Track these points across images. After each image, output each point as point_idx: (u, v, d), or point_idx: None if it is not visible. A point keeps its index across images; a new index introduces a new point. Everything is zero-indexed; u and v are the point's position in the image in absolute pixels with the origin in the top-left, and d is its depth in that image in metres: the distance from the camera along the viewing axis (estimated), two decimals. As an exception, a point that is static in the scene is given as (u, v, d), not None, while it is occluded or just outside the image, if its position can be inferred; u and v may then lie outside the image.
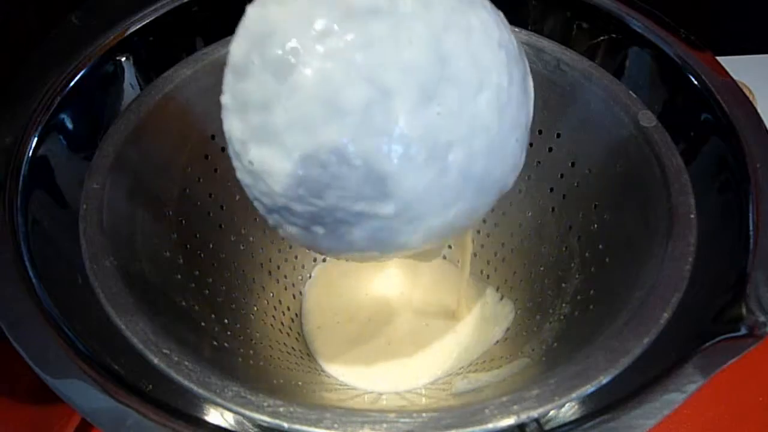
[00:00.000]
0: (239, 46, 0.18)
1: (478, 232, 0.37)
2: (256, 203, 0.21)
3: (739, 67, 0.31)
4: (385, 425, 0.18)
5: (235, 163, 0.20)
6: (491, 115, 0.20)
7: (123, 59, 0.31)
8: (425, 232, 0.21)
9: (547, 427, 0.21)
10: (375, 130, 0.18)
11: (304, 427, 0.18)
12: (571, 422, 0.21)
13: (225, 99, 0.19)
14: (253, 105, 0.18)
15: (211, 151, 0.31)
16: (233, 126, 0.19)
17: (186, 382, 0.19)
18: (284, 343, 0.33)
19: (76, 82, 0.29)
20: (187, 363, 0.20)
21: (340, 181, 0.19)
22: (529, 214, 0.34)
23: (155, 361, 0.20)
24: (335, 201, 0.19)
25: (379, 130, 0.18)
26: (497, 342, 0.33)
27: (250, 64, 0.18)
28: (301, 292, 0.38)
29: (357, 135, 0.18)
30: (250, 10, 0.18)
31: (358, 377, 0.34)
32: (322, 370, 0.34)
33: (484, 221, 0.36)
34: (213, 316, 0.28)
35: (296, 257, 0.38)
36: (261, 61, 0.18)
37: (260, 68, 0.18)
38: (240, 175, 0.20)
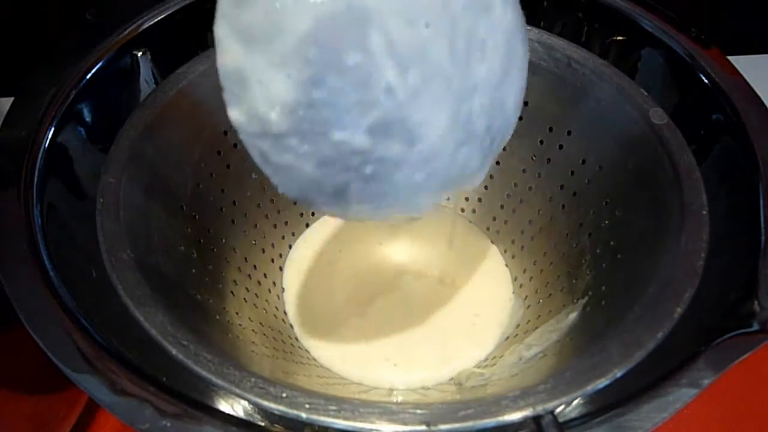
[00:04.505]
0: None
1: (488, 228, 0.37)
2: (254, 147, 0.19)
3: (740, 67, 0.31)
4: (402, 416, 0.19)
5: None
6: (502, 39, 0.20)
7: (139, 54, 0.31)
8: (435, 174, 0.20)
9: (561, 419, 0.21)
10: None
11: (323, 418, 0.18)
12: (584, 415, 0.21)
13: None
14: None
15: (223, 147, 0.31)
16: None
17: (205, 373, 0.20)
18: (296, 338, 0.33)
19: (92, 76, 0.29)
20: (205, 354, 0.20)
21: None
22: (540, 211, 0.34)
23: (173, 352, 0.20)
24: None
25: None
26: (507, 338, 0.33)
27: None
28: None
29: None
30: None
31: (367, 376, 0.34)
32: (330, 368, 0.34)
33: (494, 218, 0.36)
34: (226, 309, 0.28)
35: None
36: None
37: None
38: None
